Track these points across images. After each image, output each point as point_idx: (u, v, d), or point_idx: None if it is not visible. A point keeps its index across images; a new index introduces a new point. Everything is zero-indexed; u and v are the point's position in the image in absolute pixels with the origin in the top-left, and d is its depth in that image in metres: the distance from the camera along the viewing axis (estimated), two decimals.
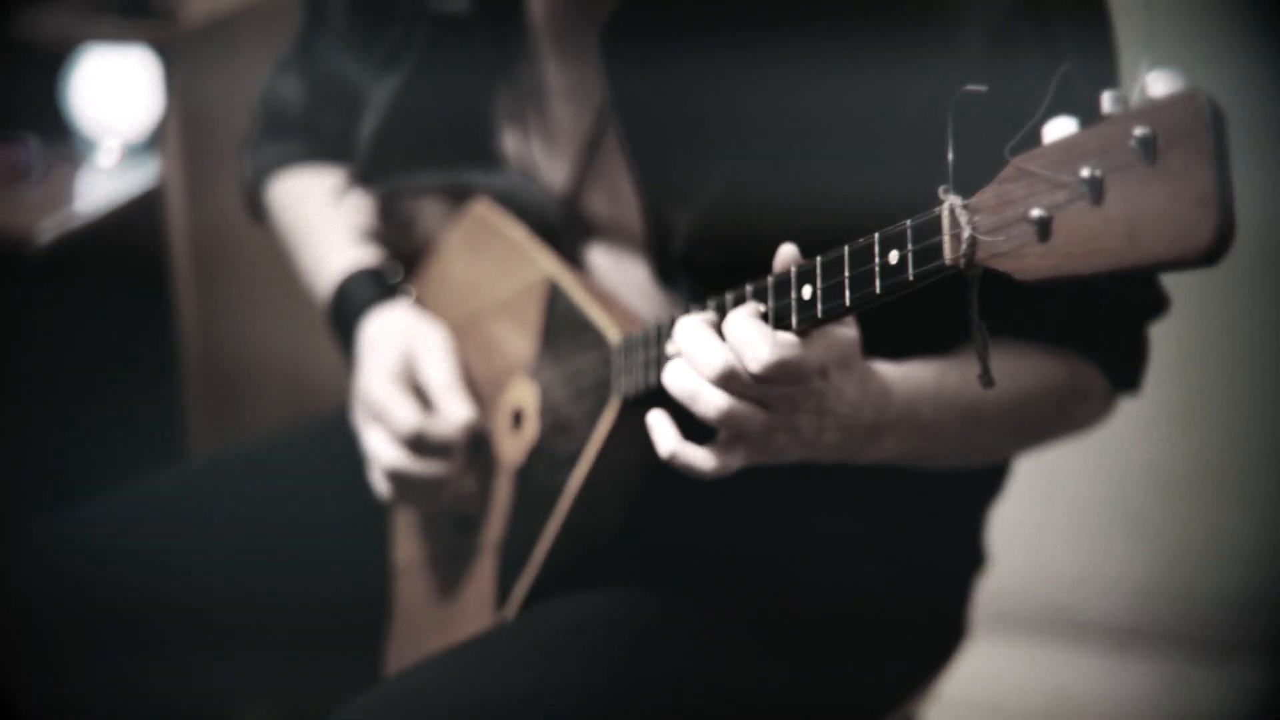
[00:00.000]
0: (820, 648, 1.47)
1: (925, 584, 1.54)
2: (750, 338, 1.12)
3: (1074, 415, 1.40)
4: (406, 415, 1.46)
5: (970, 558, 1.58)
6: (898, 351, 1.27)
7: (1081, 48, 1.28)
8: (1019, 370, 1.33)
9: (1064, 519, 2.78)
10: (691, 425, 1.19)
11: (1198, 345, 1.41)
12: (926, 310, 1.26)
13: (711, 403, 1.14)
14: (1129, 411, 1.45)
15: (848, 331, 1.16)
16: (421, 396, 1.50)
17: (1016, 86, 1.24)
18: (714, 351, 1.13)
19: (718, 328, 1.17)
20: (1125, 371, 1.40)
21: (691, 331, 1.16)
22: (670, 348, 1.23)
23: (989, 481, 1.55)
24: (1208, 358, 2.49)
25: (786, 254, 1.15)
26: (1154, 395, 1.44)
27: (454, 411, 1.46)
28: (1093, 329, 1.35)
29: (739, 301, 1.17)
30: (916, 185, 1.23)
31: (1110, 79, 1.31)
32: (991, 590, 1.62)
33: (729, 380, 1.13)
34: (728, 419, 1.14)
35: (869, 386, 1.20)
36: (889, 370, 1.24)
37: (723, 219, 1.34)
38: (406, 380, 1.50)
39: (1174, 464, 2.70)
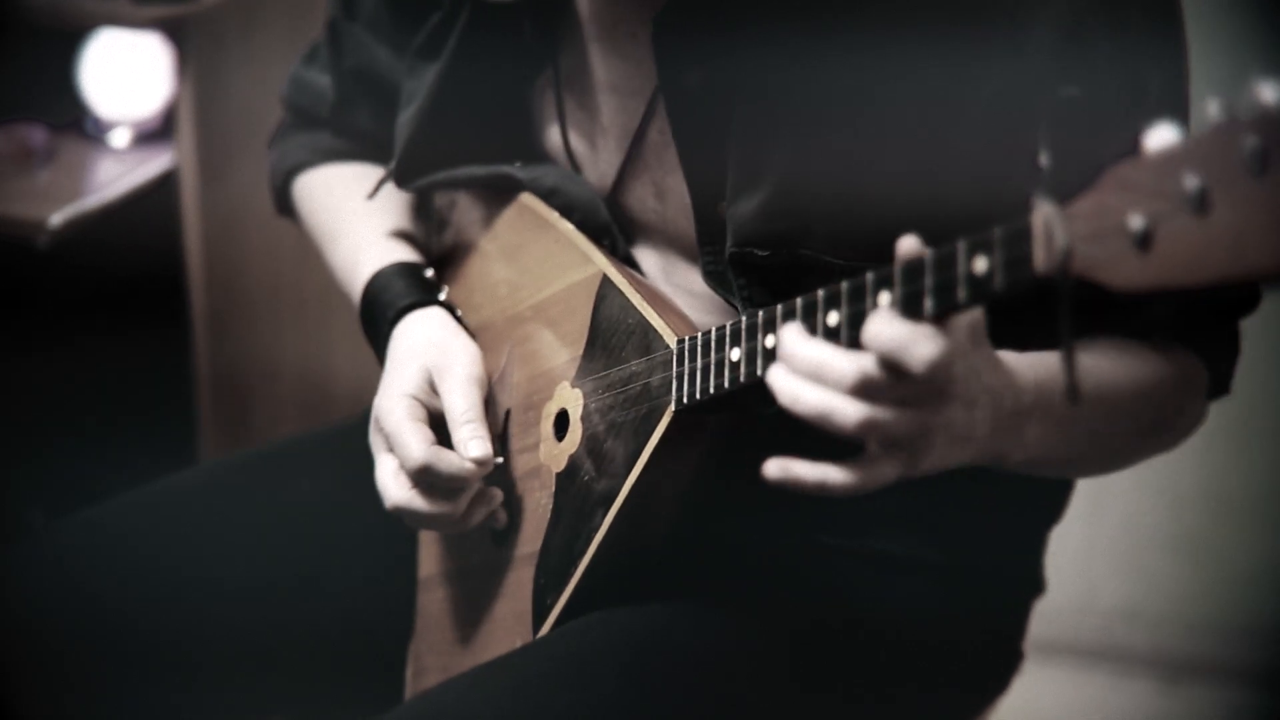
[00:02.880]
0: (873, 672, 1.48)
1: (983, 608, 1.54)
2: (907, 337, 1.09)
3: (1187, 412, 1.40)
4: (416, 447, 1.45)
5: (1029, 581, 1.59)
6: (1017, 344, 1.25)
7: (1156, 44, 1.30)
8: (1131, 362, 1.32)
9: (1111, 543, 2.77)
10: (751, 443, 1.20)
11: (1257, 358, 1.42)
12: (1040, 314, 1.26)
13: (851, 415, 1.12)
14: None
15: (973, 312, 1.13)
16: (440, 425, 1.49)
17: (1093, 81, 1.25)
18: (842, 360, 1.12)
19: (822, 334, 1.16)
20: (1220, 369, 1.39)
21: (803, 344, 1.15)
22: (789, 385, 1.20)
23: (1050, 503, 1.56)
24: (1268, 372, 2.49)
25: (909, 245, 1.13)
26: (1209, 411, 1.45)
27: (468, 447, 1.46)
28: (1188, 324, 1.35)
29: (809, 306, 1.17)
30: (983, 181, 1.25)
31: (1180, 78, 1.32)
32: (1035, 617, 1.62)
33: (868, 388, 1.11)
34: (872, 427, 1.12)
35: (998, 370, 1.17)
36: (1010, 355, 1.21)
37: (778, 216, 1.35)
38: (425, 404, 1.50)
39: (1230, 485, 2.70)
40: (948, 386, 1.12)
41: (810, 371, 1.14)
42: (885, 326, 1.10)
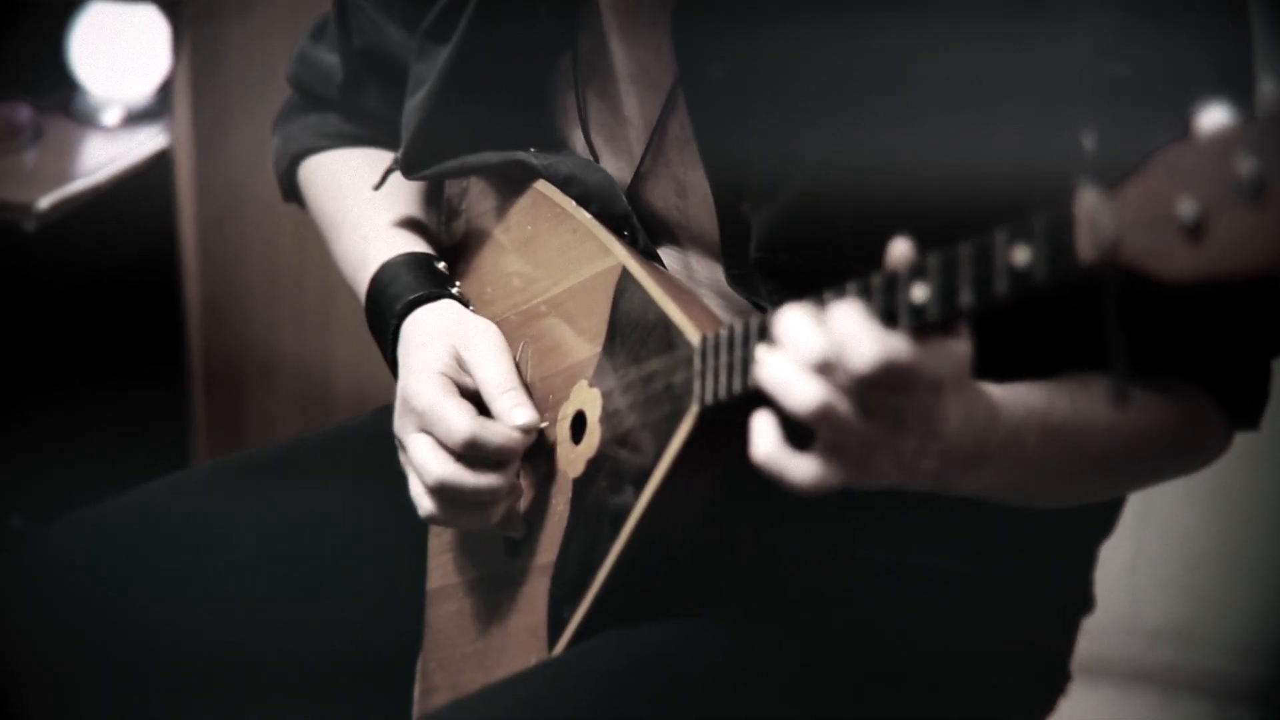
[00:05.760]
0: (912, 694, 1.48)
1: (1028, 627, 1.54)
2: (854, 334, 1.11)
3: (1190, 457, 1.41)
4: (459, 420, 1.45)
5: (1077, 599, 1.59)
6: (1002, 372, 1.26)
7: (1215, 25, 1.30)
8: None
9: (1159, 558, 2.77)
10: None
11: None
12: (1040, 325, 1.27)
13: (804, 394, 1.13)
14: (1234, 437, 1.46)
15: (963, 346, 1.14)
16: (473, 400, 1.49)
17: (1143, 60, 1.26)
18: (813, 337, 1.13)
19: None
20: (1245, 409, 1.39)
21: (790, 317, 1.15)
22: (760, 351, 1.23)
23: (1100, 516, 1.56)
24: None
25: (900, 250, 1.14)
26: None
27: (512, 415, 1.46)
28: (1212, 362, 1.35)
29: (838, 299, 1.17)
30: (1023, 182, 1.24)
31: (1247, 63, 1.32)
32: (1080, 634, 1.63)
33: (826, 371, 1.12)
34: (822, 415, 1.13)
35: (975, 410, 1.19)
36: (997, 393, 1.23)
37: (805, 216, 1.35)
38: (455, 381, 1.50)
39: None
40: (907, 414, 1.14)
41: (781, 340, 1.16)
42: (841, 318, 1.12)
